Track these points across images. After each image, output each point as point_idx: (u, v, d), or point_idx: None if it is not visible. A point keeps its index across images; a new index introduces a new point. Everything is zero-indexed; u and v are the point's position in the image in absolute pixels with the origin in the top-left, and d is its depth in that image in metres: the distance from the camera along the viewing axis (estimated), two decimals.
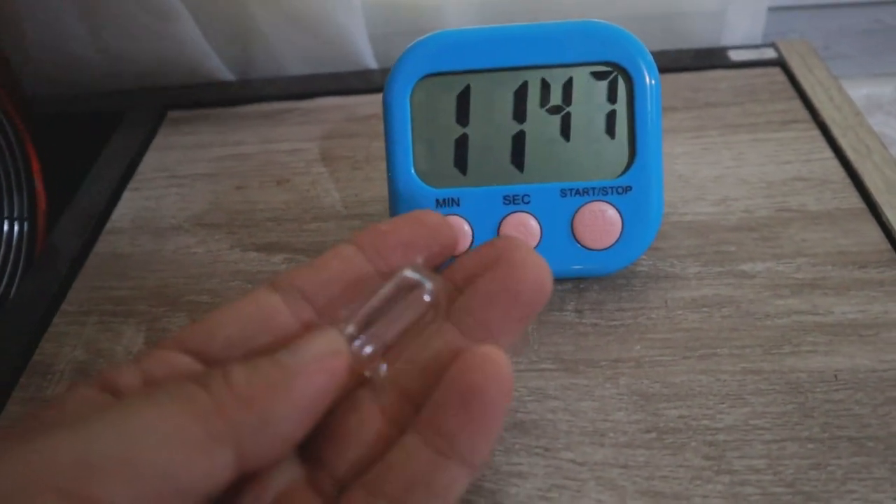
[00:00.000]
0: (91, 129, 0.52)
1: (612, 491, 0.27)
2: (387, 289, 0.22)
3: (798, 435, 0.28)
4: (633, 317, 0.33)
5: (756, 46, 0.50)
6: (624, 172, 0.32)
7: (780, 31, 0.56)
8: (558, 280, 0.35)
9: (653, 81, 0.32)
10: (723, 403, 0.29)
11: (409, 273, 0.22)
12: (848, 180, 0.39)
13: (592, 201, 0.32)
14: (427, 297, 0.21)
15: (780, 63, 0.49)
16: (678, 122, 0.44)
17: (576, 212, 0.33)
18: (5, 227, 0.46)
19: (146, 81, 0.55)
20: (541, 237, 0.33)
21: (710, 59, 0.50)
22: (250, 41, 0.53)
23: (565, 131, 0.32)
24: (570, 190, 0.32)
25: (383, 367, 0.22)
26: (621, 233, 0.33)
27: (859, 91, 0.59)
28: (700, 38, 0.52)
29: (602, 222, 0.32)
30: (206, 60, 0.53)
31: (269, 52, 0.53)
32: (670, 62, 0.50)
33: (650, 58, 0.32)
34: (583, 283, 0.35)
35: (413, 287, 0.22)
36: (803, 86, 0.46)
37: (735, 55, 0.49)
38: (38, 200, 0.48)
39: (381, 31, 0.53)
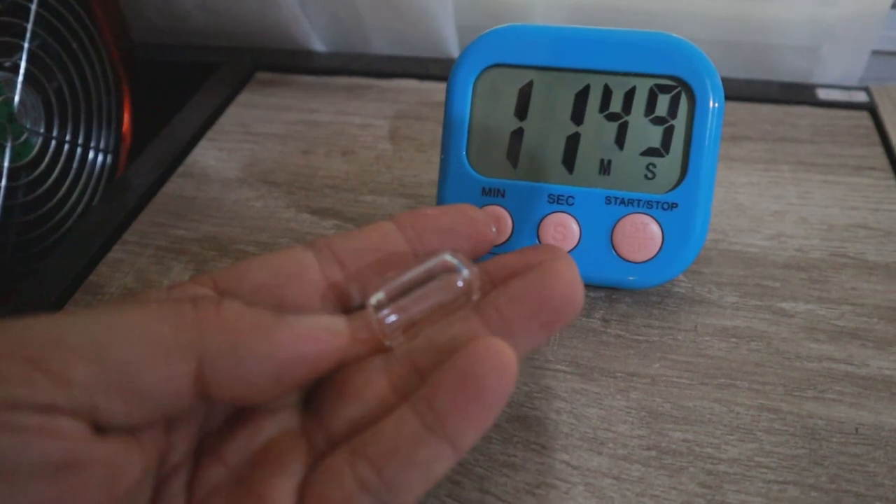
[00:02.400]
0: (184, 78, 0.55)
1: (600, 499, 0.27)
2: (424, 267, 0.22)
3: (803, 480, 0.27)
4: (659, 335, 0.33)
5: (847, 88, 0.48)
6: (672, 189, 0.32)
7: (880, 77, 0.53)
8: (591, 287, 0.35)
9: (716, 104, 0.31)
10: (731, 435, 0.29)
11: (448, 257, 0.22)
12: None
13: (636, 213, 0.32)
14: (460, 283, 0.22)
15: (870, 108, 0.47)
16: (749, 153, 0.43)
17: (617, 221, 0.32)
18: (91, 157, 0.49)
19: (241, 41, 0.58)
20: (579, 240, 0.33)
21: (797, 94, 0.48)
22: (345, 16, 0.55)
23: (620, 139, 0.32)
24: (616, 198, 0.32)
25: (401, 339, 0.22)
26: (660, 249, 0.32)
27: None
28: (790, 72, 0.50)
29: (643, 235, 0.32)
30: (300, 28, 0.55)
31: (361, 29, 0.55)
32: (755, 92, 0.49)
33: (718, 78, 0.31)
34: (615, 293, 0.35)
35: (450, 271, 0.22)
36: (890, 133, 0.44)
37: (823, 94, 0.48)
38: (124, 137, 0.51)
39: (470, 23, 0.54)
